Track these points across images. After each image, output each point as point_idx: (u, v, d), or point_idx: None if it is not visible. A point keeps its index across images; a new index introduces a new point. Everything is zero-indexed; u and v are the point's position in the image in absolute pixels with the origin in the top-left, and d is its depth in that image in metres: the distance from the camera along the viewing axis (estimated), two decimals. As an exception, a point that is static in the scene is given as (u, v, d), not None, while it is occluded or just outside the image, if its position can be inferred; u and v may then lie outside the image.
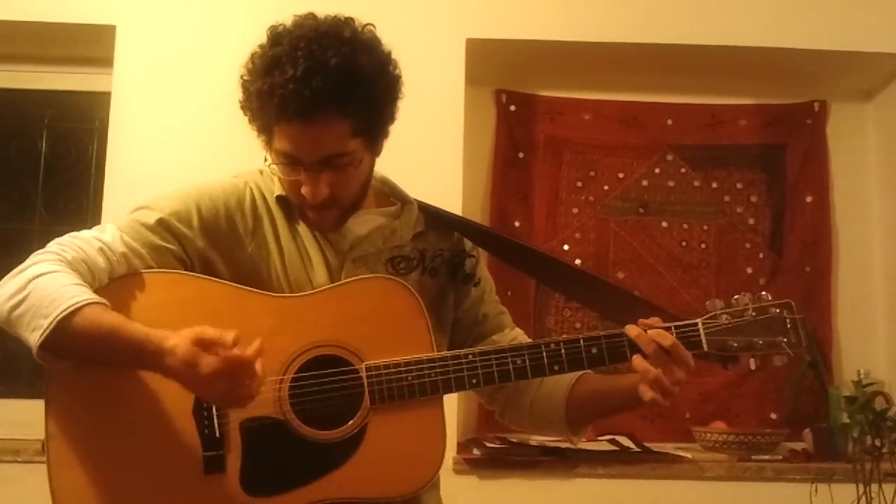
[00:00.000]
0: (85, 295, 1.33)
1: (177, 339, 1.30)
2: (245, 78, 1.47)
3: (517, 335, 1.69)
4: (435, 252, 1.62)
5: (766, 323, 1.48)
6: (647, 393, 1.43)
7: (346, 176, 1.47)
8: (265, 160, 1.51)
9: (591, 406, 1.59)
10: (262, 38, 1.47)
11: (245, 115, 1.49)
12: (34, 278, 1.34)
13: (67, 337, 1.31)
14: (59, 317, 1.30)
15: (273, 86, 1.38)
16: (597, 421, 1.63)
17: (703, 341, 1.47)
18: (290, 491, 1.39)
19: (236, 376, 1.29)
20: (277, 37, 1.44)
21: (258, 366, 1.30)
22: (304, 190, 1.45)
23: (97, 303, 1.34)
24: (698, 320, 1.48)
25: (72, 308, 1.31)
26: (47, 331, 1.30)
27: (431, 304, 1.52)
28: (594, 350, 1.46)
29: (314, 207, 1.49)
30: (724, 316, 1.48)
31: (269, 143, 1.48)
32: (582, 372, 1.57)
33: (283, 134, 1.43)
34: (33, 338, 1.31)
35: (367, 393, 1.42)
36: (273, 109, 1.40)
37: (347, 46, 1.41)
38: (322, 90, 1.37)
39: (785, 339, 1.48)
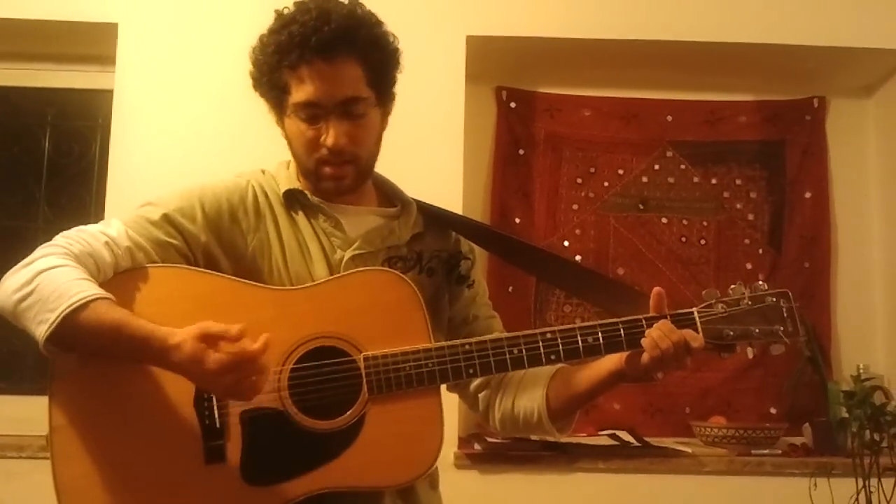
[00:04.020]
0: (91, 290, 1.35)
1: (182, 335, 1.32)
2: (257, 51, 1.54)
3: None
4: (432, 253, 1.64)
5: (762, 312, 1.49)
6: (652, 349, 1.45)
7: (363, 127, 1.53)
8: (283, 128, 1.56)
9: (570, 392, 1.59)
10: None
11: (259, 84, 1.55)
12: (42, 272, 1.35)
13: (73, 331, 1.33)
14: (66, 311, 1.32)
15: (292, 33, 1.48)
16: (577, 408, 1.62)
17: (699, 330, 1.48)
18: (290, 480, 1.41)
19: (242, 370, 1.32)
20: (284, 11, 1.53)
21: (263, 360, 1.33)
22: (324, 139, 1.50)
23: (103, 298, 1.35)
24: (694, 309, 1.50)
25: (78, 303, 1.32)
26: (53, 325, 1.32)
27: (429, 303, 1.53)
28: (590, 340, 1.47)
29: (334, 161, 1.52)
30: (720, 305, 1.49)
31: (282, 109, 1.54)
32: (560, 365, 1.59)
33: (303, 80, 1.49)
34: (39, 331, 1.33)
35: (364, 383, 1.44)
36: (294, 53, 1.47)
37: (351, 4, 1.53)
38: (337, 31, 1.47)
39: (781, 328, 1.49)
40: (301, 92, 1.50)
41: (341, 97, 1.50)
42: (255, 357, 1.32)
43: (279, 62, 1.50)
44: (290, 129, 1.55)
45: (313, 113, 1.51)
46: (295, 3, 1.53)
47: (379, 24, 1.56)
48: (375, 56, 1.53)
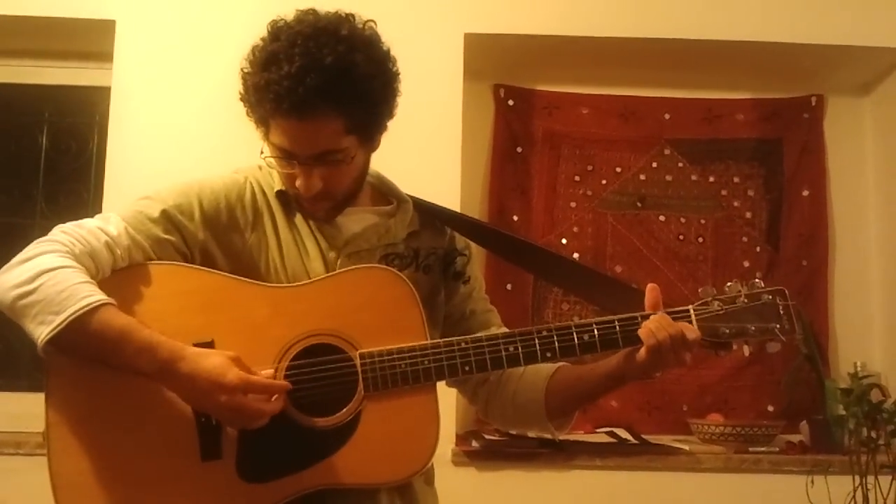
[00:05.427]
0: (98, 295, 1.35)
1: (221, 359, 1.36)
2: (245, 71, 1.50)
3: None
4: (429, 250, 1.64)
5: (758, 309, 1.49)
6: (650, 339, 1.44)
7: (340, 171, 1.50)
8: (261, 151, 1.53)
9: (570, 391, 1.60)
10: (262, 32, 1.50)
11: (244, 106, 1.52)
12: (46, 271, 1.35)
13: (79, 335, 1.33)
14: (73, 316, 1.32)
15: (269, 81, 1.41)
16: (576, 408, 1.63)
17: (695, 327, 1.47)
18: (286, 477, 1.41)
19: (249, 418, 1.37)
20: (277, 32, 1.47)
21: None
22: (298, 183, 1.49)
23: (110, 303, 1.36)
24: (690, 307, 1.49)
25: (87, 308, 1.33)
26: (59, 327, 1.32)
27: (425, 300, 1.53)
28: (586, 337, 1.47)
29: (308, 199, 1.52)
30: (716, 303, 1.49)
31: (265, 136, 1.51)
32: (561, 363, 1.59)
33: (278, 129, 1.46)
34: (40, 331, 1.33)
35: (360, 380, 1.44)
36: (269, 104, 1.43)
37: (344, 44, 1.43)
38: (316, 88, 1.39)
39: (777, 326, 1.49)
40: (276, 137, 1.47)
41: (315, 152, 1.46)
42: (270, 414, 1.37)
43: (258, 101, 1.46)
44: (271, 154, 1.51)
45: (287, 158, 1.48)
46: (286, 29, 1.45)
47: (375, 72, 1.46)
48: (363, 110, 1.46)
